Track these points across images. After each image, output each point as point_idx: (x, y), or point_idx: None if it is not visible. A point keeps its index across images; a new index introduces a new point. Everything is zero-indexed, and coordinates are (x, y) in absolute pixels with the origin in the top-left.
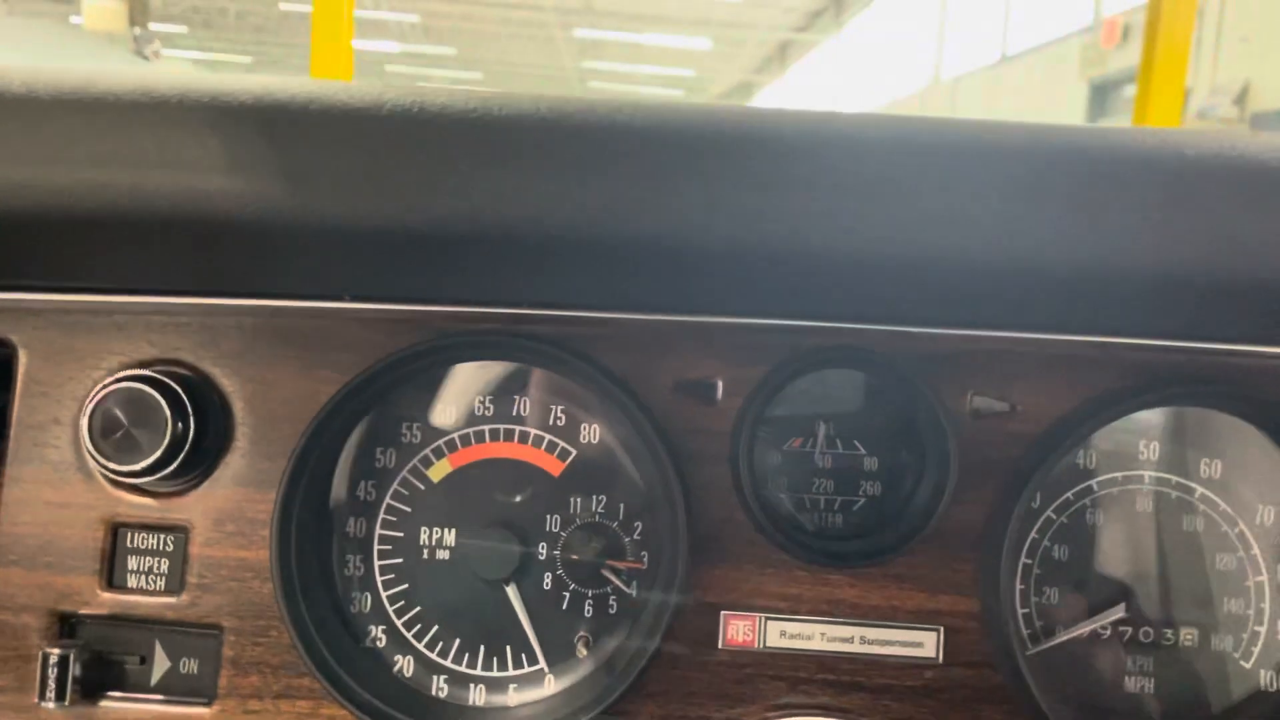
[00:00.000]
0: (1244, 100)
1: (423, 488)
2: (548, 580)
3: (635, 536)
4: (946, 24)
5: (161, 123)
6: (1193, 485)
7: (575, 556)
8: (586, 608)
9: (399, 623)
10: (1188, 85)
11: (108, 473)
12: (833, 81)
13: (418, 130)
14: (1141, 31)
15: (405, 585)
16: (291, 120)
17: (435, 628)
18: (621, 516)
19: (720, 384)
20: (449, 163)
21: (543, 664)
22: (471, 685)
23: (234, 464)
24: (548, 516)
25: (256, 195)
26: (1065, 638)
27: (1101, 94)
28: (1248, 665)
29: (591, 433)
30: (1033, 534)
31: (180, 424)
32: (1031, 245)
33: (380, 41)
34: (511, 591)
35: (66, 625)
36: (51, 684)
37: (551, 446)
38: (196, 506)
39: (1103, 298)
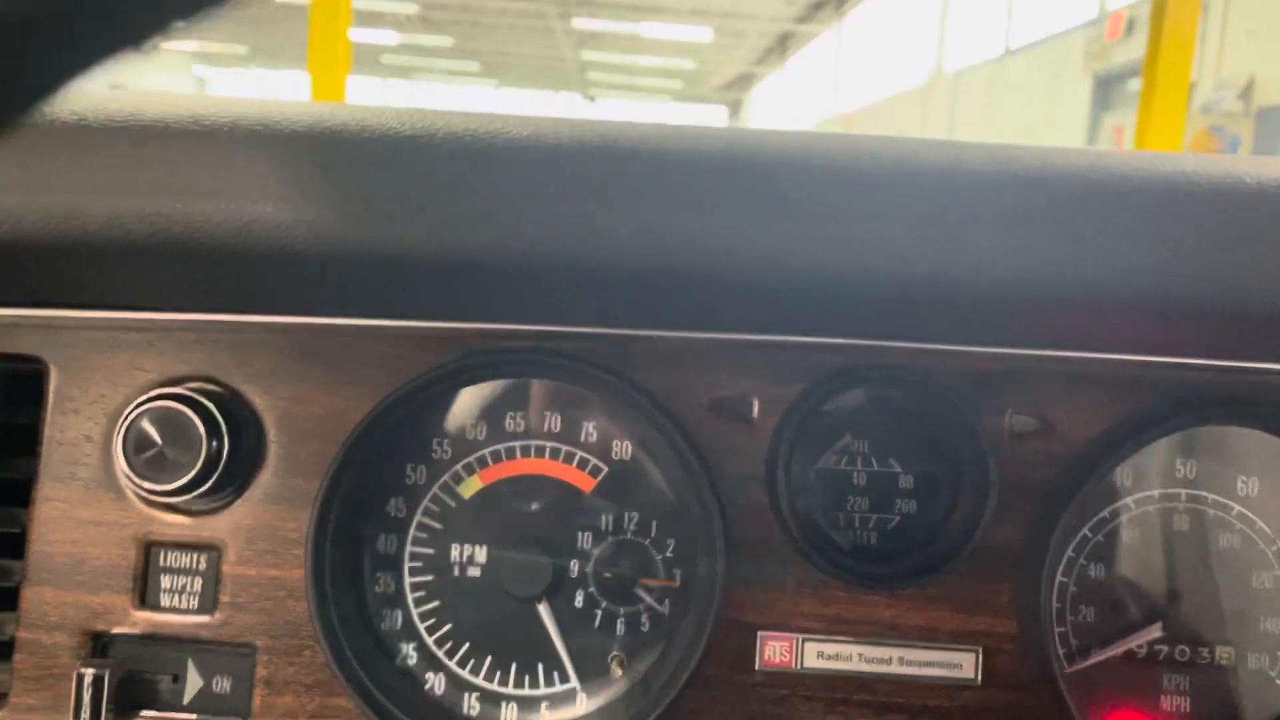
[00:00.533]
0: (1249, 95)
1: (453, 504)
2: (580, 598)
3: (668, 554)
4: (949, 17)
5: (213, 151)
6: (1230, 503)
7: (607, 574)
8: (619, 626)
9: (430, 640)
10: (1192, 79)
11: (141, 491)
12: (833, 75)
13: (471, 158)
14: (1146, 24)
15: (436, 602)
16: (343, 148)
17: (466, 645)
18: (654, 534)
19: (756, 403)
20: (503, 191)
21: (575, 683)
22: (503, 704)
23: (266, 482)
24: (579, 533)
25: (307, 224)
26: (1102, 657)
27: (1105, 87)
28: None
29: (623, 449)
30: (1069, 552)
31: (214, 442)
32: (1074, 271)
33: (378, 31)
34: (544, 609)
35: (99, 644)
36: (86, 703)
37: (583, 463)
38: (229, 525)
39: (1142, 320)
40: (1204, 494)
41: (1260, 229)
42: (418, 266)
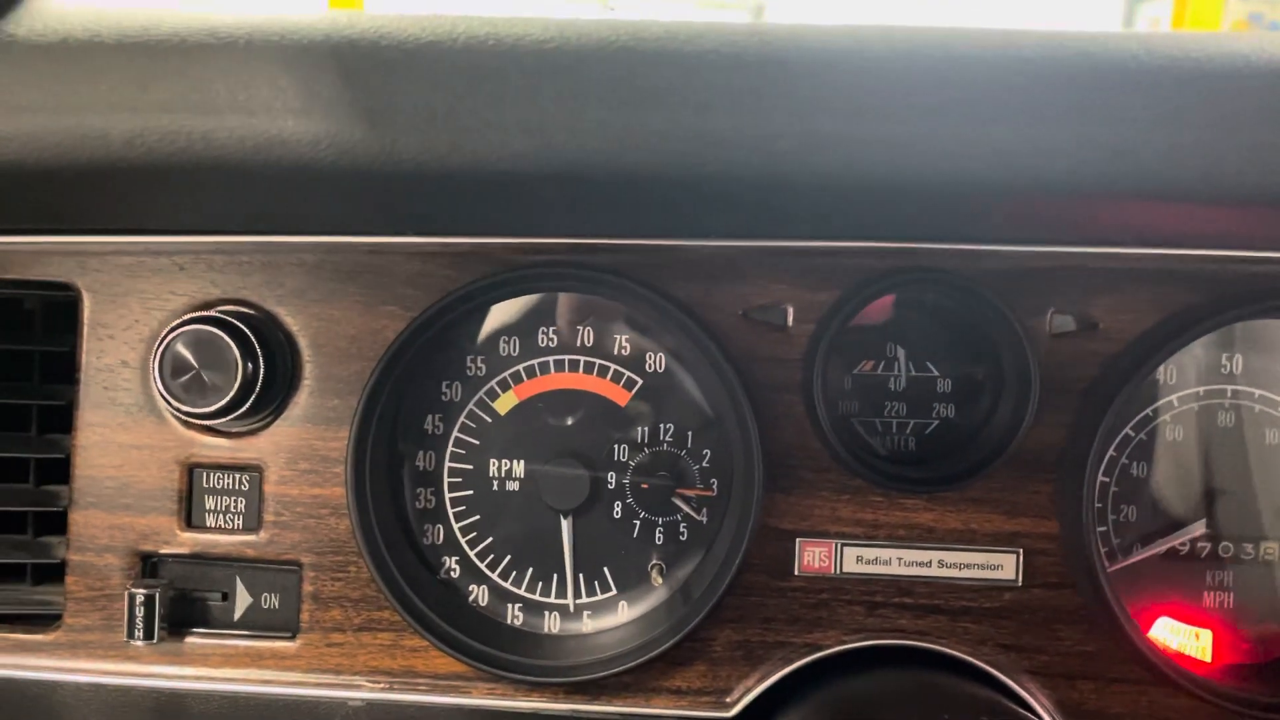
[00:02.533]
0: None
1: (490, 420)
2: (618, 509)
3: (704, 464)
4: None
5: (231, 65)
6: (1276, 398)
7: (645, 485)
8: (658, 535)
9: (472, 554)
10: None
11: (180, 414)
12: None
13: (494, 63)
14: None
15: (476, 517)
16: (362, 57)
17: (508, 558)
18: (690, 444)
19: (790, 310)
20: (527, 96)
21: (614, 591)
22: (546, 613)
23: (303, 402)
24: (615, 446)
25: (329, 138)
26: (1144, 555)
27: None
28: None
29: (657, 361)
30: (1110, 451)
31: (250, 364)
32: (1115, 160)
33: None
34: (565, 525)
35: (149, 565)
36: (139, 622)
37: (617, 376)
38: (269, 445)
39: (1186, 209)
40: (1250, 389)
41: None
42: (443, 178)
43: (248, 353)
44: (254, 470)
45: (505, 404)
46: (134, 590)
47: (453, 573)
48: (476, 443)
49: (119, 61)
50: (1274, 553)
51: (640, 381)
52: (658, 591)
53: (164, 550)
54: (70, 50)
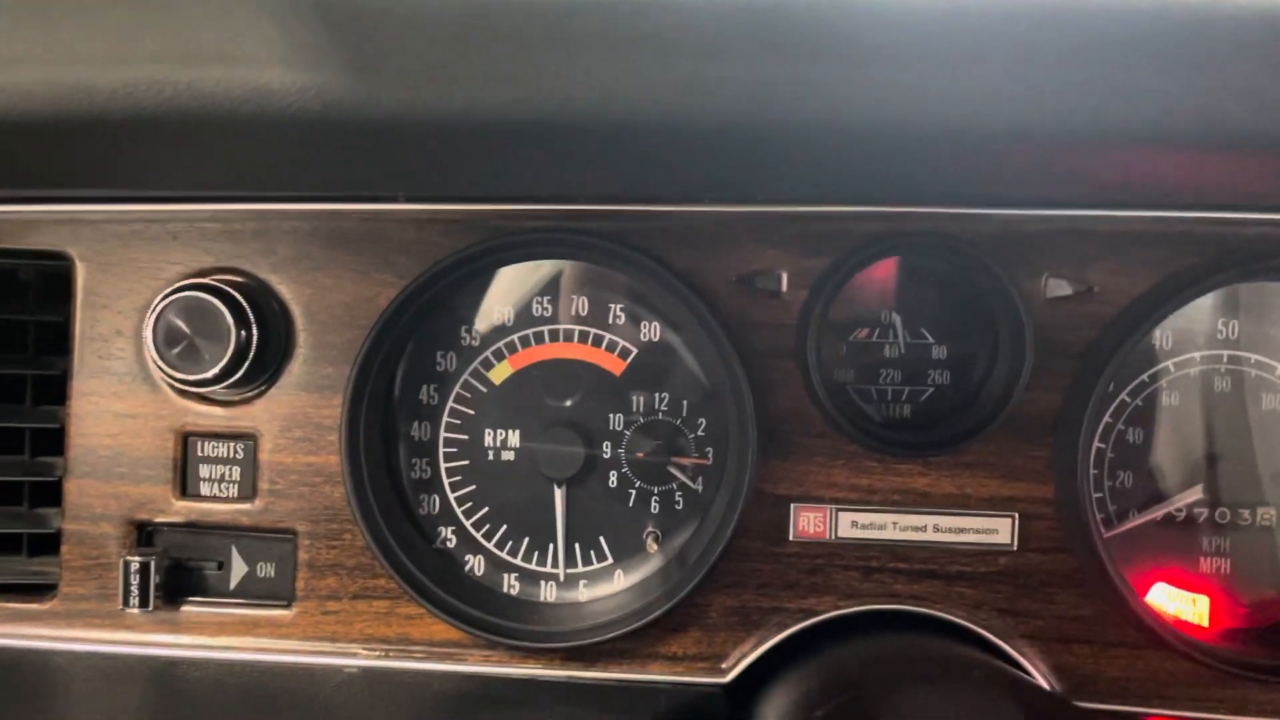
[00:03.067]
0: None
1: (485, 390)
2: (613, 478)
3: (699, 433)
4: None
5: (217, 15)
6: (1273, 363)
7: (640, 454)
8: (653, 504)
9: (468, 523)
10: None
11: (174, 382)
12: None
13: (481, 10)
14: None
15: (472, 486)
16: (348, 6)
17: (504, 527)
18: (685, 413)
19: (784, 276)
20: (518, 46)
21: (611, 560)
22: (542, 582)
23: (297, 370)
24: (611, 415)
25: (317, 88)
26: (1140, 520)
27: None
28: None
29: (652, 330)
30: (1107, 418)
31: (243, 332)
32: (1111, 112)
33: None
34: (558, 494)
35: (144, 533)
36: (134, 590)
37: (612, 345)
38: (263, 414)
39: (1179, 159)
40: (1246, 354)
41: None
42: (432, 130)
43: (241, 320)
44: (248, 438)
45: (500, 374)
46: (128, 559)
47: (449, 542)
48: (472, 413)
49: (104, 12)
50: (1271, 518)
51: (635, 350)
52: (653, 559)
53: (159, 519)
54: (55, 1)
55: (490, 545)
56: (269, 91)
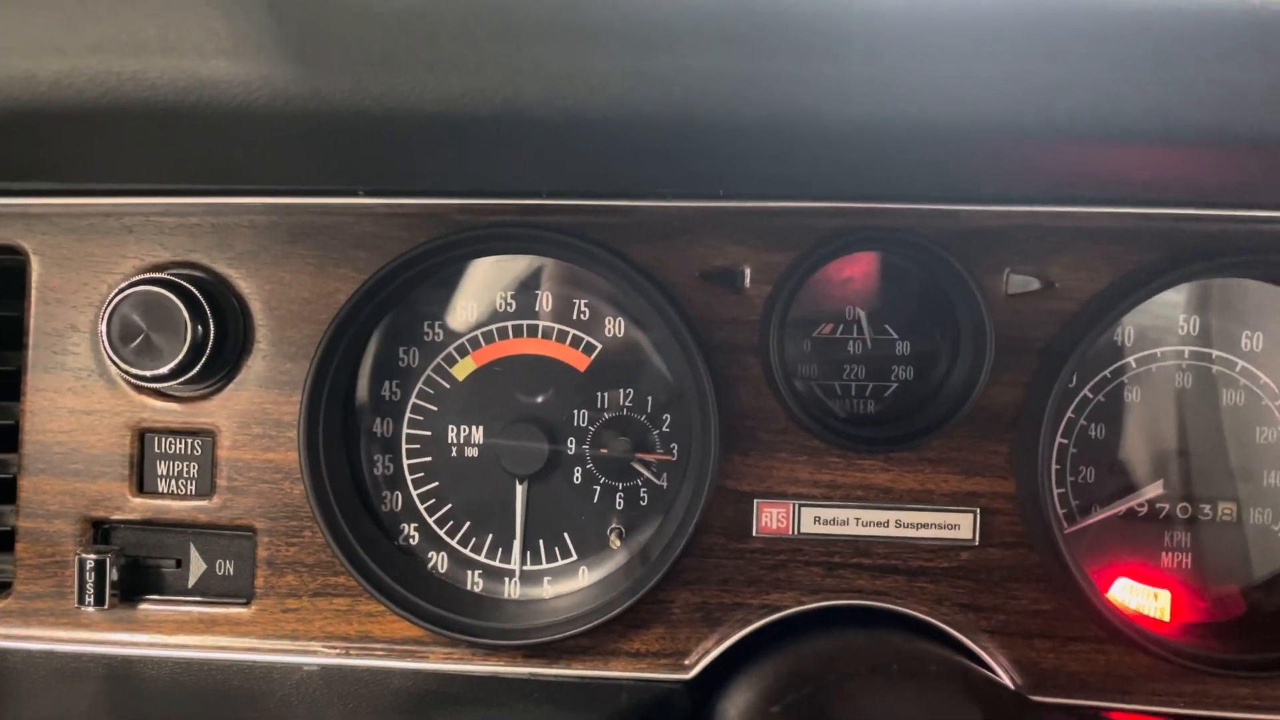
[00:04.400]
0: None
1: (448, 386)
2: (578, 475)
3: (664, 429)
4: None
5: (160, 5)
6: (1233, 359)
7: (604, 450)
8: (618, 500)
9: (431, 520)
10: None
11: (130, 378)
12: None
13: (429, 3)
14: None
15: (435, 483)
16: None
17: (467, 524)
18: (649, 409)
19: (747, 271)
20: (469, 34)
21: (575, 556)
22: (506, 579)
23: (256, 366)
24: (575, 411)
25: (262, 79)
26: (1102, 516)
27: None
28: None
29: (616, 326)
30: (1069, 413)
31: (200, 327)
32: (1071, 107)
33: None
34: (519, 490)
35: (100, 531)
36: (90, 588)
37: (576, 341)
38: (221, 410)
39: (1141, 165)
40: (1207, 350)
41: (1263, 51)
42: (380, 122)
43: (197, 315)
44: (206, 435)
45: (463, 370)
46: (84, 556)
47: (411, 539)
48: (435, 409)
49: (45, 1)
50: (1231, 513)
51: (600, 347)
52: (617, 556)
53: (115, 516)
54: None
55: (453, 542)
56: (214, 83)
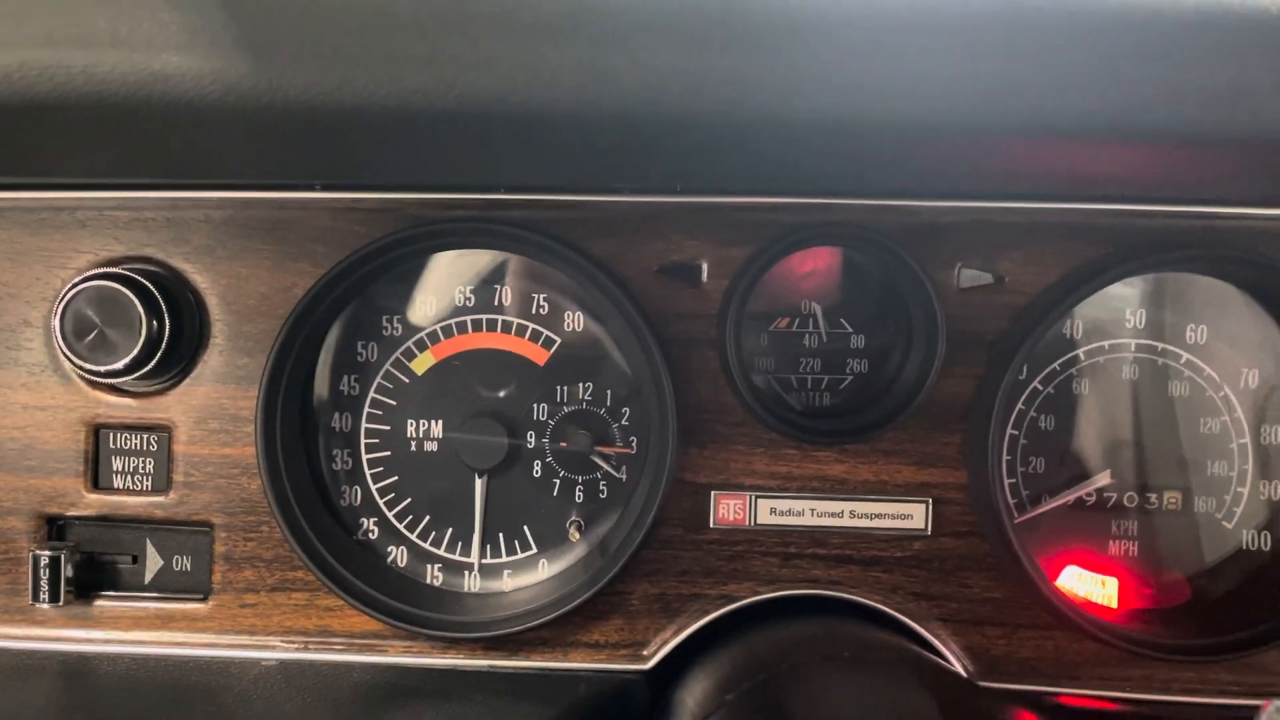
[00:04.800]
0: None
1: (407, 381)
2: (538, 468)
3: (624, 422)
4: None
5: None
6: (1178, 351)
7: (564, 444)
8: (578, 493)
9: (390, 514)
10: None
11: (84, 374)
12: None
13: None
14: None
15: (395, 478)
16: None
17: (427, 518)
18: (609, 403)
19: (705, 266)
20: (424, 28)
21: (535, 549)
22: (465, 572)
23: (213, 361)
24: (535, 405)
25: (214, 74)
26: (1051, 505)
27: None
28: (1230, 525)
29: (575, 320)
30: (1019, 405)
31: (154, 322)
32: (1021, 106)
33: None
34: (478, 484)
35: (55, 528)
36: (44, 585)
37: (535, 335)
38: (178, 405)
39: (1090, 161)
40: (1154, 343)
41: (1207, 51)
42: (335, 117)
43: (152, 310)
44: (163, 430)
45: (422, 364)
46: (38, 553)
47: (371, 534)
48: (394, 403)
49: None
50: (1176, 502)
51: (559, 340)
52: (577, 548)
53: (70, 512)
54: None
55: (413, 536)
56: (166, 77)
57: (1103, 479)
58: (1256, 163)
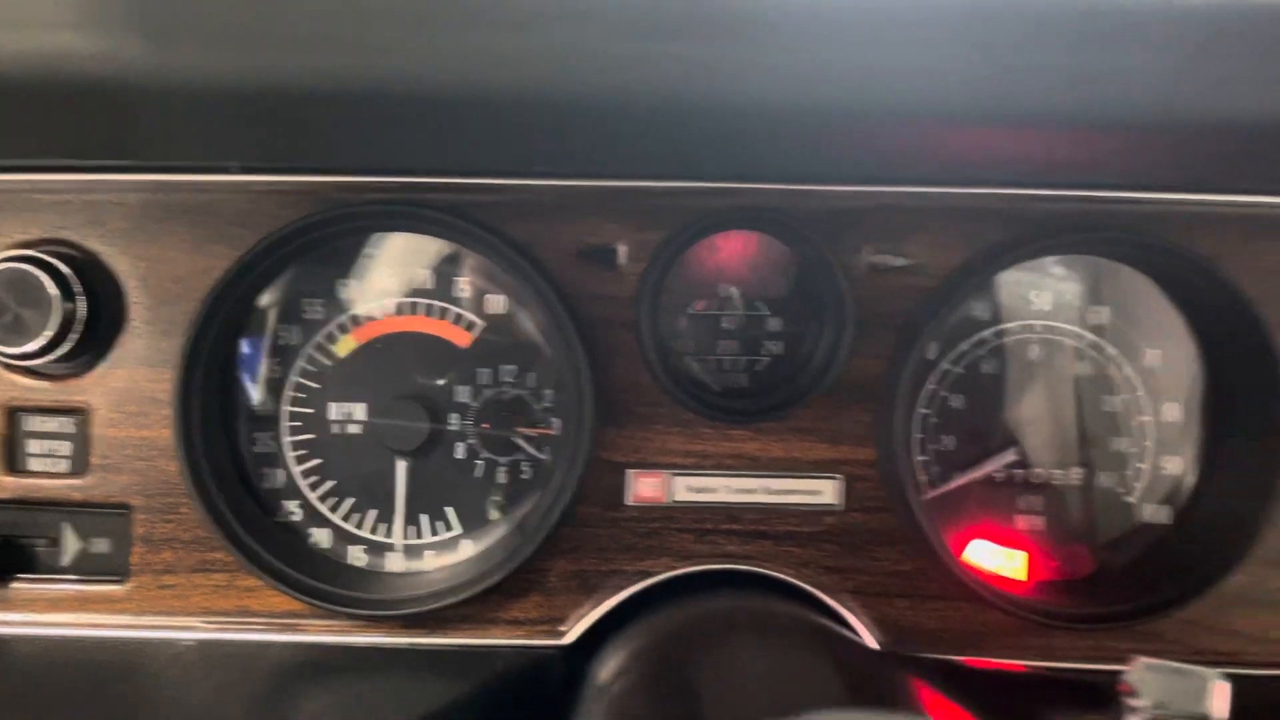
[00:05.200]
0: None
1: (329, 363)
2: (460, 450)
3: (546, 404)
4: None
5: None
6: (1082, 332)
7: (486, 426)
8: (500, 475)
9: (313, 497)
10: None
11: None
12: None
13: None
14: None
15: (318, 460)
16: None
17: (350, 501)
18: (531, 385)
19: (622, 249)
20: (310, 9)
21: (458, 530)
22: (388, 553)
23: (130, 344)
24: (457, 388)
25: (110, 53)
26: (959, 482)
27: None
28: (1133, 500)
29: (498, 303)
30: (930, 385)
31: (69, 304)
32: (932, 90)
33: None
34: (400, 466)
35: None
36: None
37: (459, 319)
38: (95, 388)
39: (983, 146)
40: (1058, 324)
41: (1102, 36)
42: (232, 97)
43: (67, 292)
44: (79, 413)
45: (345, 347)
46: None
47: (293, 516)
48: (316, 386)
49: None
50: (1080, 477)
51: (481, 323)
52: (499, 528)
53: None
54: None
55: (336, 518)
56: (61, 56)
57: (1010, 456)
58: (1142, 147)
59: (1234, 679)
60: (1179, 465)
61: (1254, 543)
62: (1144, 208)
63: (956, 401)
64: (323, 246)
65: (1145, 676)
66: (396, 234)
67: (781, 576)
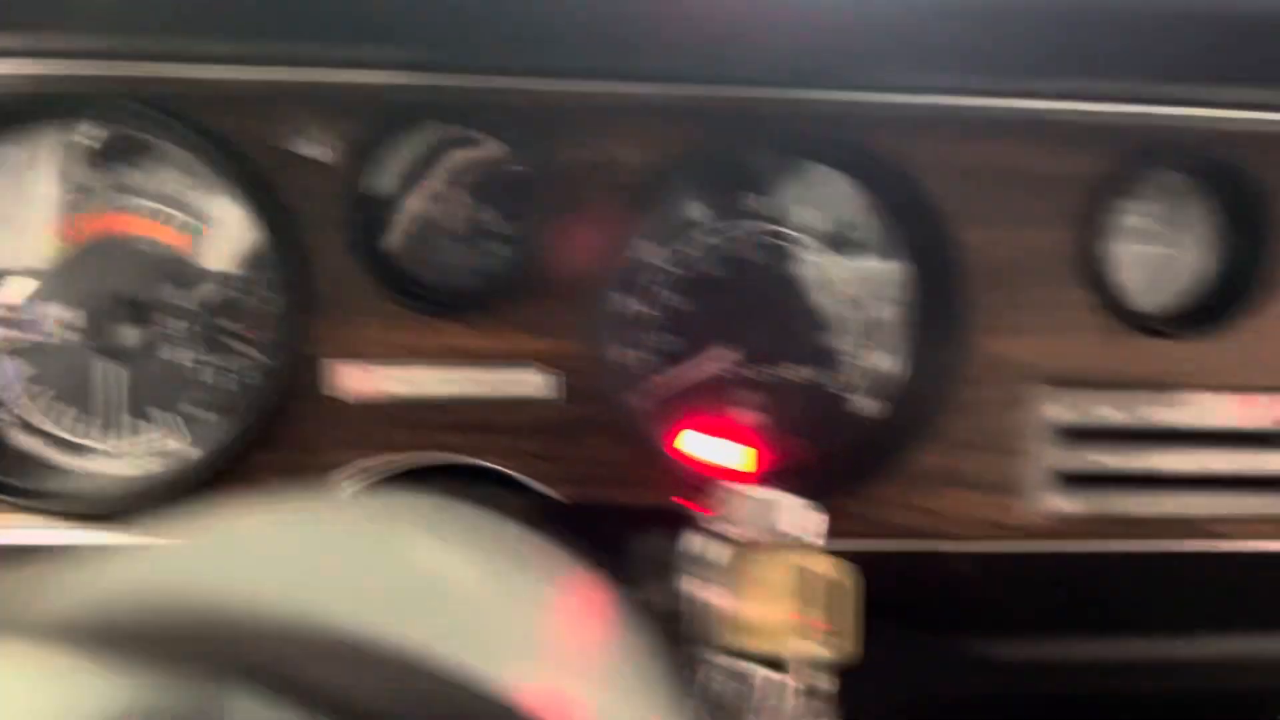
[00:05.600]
0: None
1: (35, 266)
2: (170, 351)
3: (258, 301)
4: None
5: None
6: (797, 234)
7: (198, 327)
8: (210, 375)
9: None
10: None
11: None
12: None
13: None
14: None
15: (21, 360)
16: None
17: (52, 400)
18: (243, 284)
19: (331, 143)
20: None
21: (180, 432)
22: (87, 455)
23: None
24: (169, 288)
25: None
26: (675, 376)
27: None
28: (849, 396)
29: (211, 203)
30: (646, 281)
31: None
32: None
33: None
34: (103, 367)
35: None
36: None
37: (168, 218)
38: None
39: (699, 38)
40: (774, 226)
41: None
42: None
43: None
44: None
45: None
46: None
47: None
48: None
49: None
50: (796, 373)
51: (193, 222)
52: (207, 426)
53: None
54: None
55: (33, 419)
56: None
57: (729, 353)
58: (804, 43)
59: (926, 555)
60: (888, 361)
61: (942, 428)
62: (837, 108)
63: (675, 300)
64: (27, 141)
65: (730, 500)
66: (104, 128)
67: (496, 467)
